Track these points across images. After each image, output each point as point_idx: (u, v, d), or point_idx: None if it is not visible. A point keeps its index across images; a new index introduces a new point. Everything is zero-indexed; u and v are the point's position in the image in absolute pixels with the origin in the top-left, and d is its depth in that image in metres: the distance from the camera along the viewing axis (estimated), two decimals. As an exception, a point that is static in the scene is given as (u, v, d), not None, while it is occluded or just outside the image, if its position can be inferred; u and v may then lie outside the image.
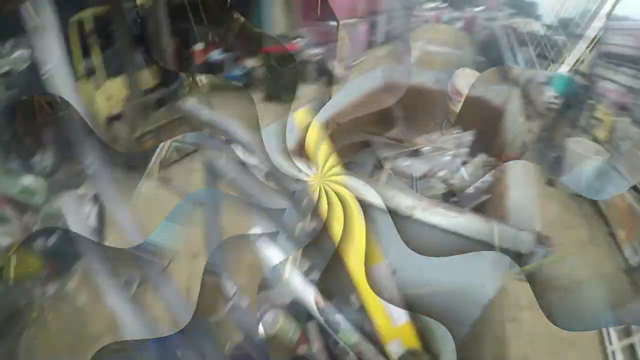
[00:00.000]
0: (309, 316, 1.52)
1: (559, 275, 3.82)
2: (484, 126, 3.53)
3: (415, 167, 2.97)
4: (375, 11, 12.89)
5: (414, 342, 1.39)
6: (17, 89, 5.34)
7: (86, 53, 5.48)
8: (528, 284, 2.44)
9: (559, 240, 4.40)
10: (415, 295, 1.79)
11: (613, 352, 3.14)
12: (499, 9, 15.85)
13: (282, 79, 7.68)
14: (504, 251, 1.84)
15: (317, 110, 2.66)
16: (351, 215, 1.37)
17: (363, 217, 1.42)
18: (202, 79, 8.01)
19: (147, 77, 5.71)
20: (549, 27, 12.75)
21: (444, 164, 3.38)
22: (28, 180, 4.56)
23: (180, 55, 7.33)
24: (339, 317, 1.40)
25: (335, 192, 1.61)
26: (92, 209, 4.31)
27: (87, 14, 5.35)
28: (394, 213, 2.05)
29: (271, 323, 1.48)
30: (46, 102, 5.66)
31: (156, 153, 5.04)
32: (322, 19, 9.46)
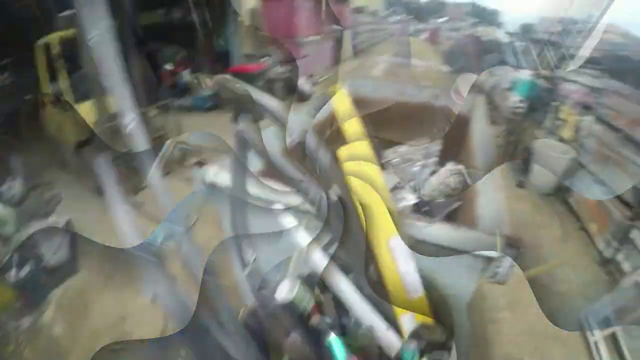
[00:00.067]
0: (325, 289, 1.50)
1: (559, 280, 3.89)
2: (451, 135, 3.56)
3: (385, 179, 2.96)
4: (341, 27, 13.13)
5: (427, 316, 1.37)
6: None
7: (53, 77, 5.40)
8: (503, 285, 2.44)
9: (533, 239, 4.48)
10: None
11: (596, 343, 3.17)
12: (462, 19, 16.34)
13: (250, 98, 7.76)
14: (476, 257, 1.83)
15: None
16: (372, 185, 1.34)
17: (384, 185, 1.41)
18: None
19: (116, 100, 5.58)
20: (511, 34, 13.19)
21: (413, 174, 3.39)
22: (-3, 209, 4.41)
23: (148, 76, 7.27)
24: (352, 293, 1.38)
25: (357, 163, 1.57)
26: (64, 238, 4.19)
27: (54, 38, 5.29)
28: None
29: (287, 291, 1.46)
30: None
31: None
32: (289, 36, 9.57)
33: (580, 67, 6.42)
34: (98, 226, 4.47)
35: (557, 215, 5.04)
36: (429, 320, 1.44)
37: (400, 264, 1.34)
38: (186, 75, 8.74)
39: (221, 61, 8.91)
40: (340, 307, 1.50)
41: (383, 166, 3.44)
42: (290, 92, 7.26)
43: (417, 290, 1.38)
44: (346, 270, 1.50)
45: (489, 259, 1.79)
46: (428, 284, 1.43)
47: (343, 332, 1.41)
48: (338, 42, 11.73)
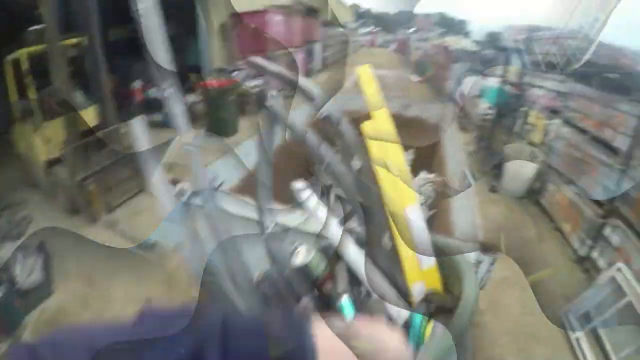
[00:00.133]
0: (339, 259, 1.49)
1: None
2: (422, 144, 3.59)
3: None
4: (311, 40, 13.22)
5: (437, 285, 1.36)
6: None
7: (23, 94, 5.19)
8: (483, 290, 2.44)
9: (508, 242, 4.53)
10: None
11: (578, 339, 3.18)
12: (430, 30, 16.69)
13: (223, 112, 7.93)
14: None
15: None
16: (393, 155, 1.32)
17: (402, 154, 1.39)
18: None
19: (87, 118, 5.44)
20: (477, 42, 13.52)
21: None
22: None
23: (119, 93, 7.12)
24: (365, 264, 1.38)
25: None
26: (36, 259, 4.04)
27: (23, 53, 5.08)
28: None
29: (303, 255, 1.45)
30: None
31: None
32: (260, 50, 9.57)
33: (545, 72, 6.61)
34: (71, 247, 4.35)
35: (531, 217, 5.11)
36: (438, 287, 1.44)
37: (414, 233, 1.33)
38: (156, 92, 8.61)
39: (192, 76, 8.83)
40: (353, 279, 1.49)
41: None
42: (262, 106, 7.20)
43: (429, 259, 1.37)
44: (361, 243, 1.50)
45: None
46: (439, 254, 1.43)
47: (354, 303, 1.40)
48: (308, 55, 11.80)
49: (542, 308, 3.17)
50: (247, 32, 9.58)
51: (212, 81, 8.00)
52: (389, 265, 1.41)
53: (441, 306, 1.38)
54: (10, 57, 5.18)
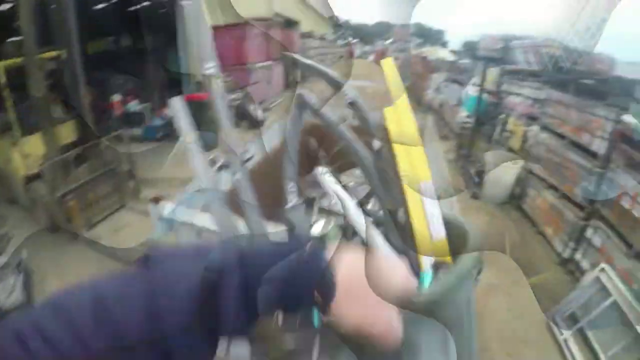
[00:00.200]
0: (354, 235, 1.47)
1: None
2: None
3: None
4: (290, 52, 13.22)
5: (446, 257, 1.35)
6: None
7: (0, 107, 4.99)
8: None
9: (492, 248, 4.55)
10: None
11: (565, 340, 3.19)
12: (408, 40, 16.92)
13: (203, 125, 7.61)
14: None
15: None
16: (408, 130, 1.32)
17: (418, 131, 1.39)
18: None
19: (66, 132, 5.31)
20: (454, 52, 13.75)
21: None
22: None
23: (98, 106, 6.98)
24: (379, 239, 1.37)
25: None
26: (17, 279, 3.88)
27: (0, 66, 4.85)
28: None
29: (321, 226, 1.44)
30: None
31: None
32: (240, 63, 9.53)
33: (522, 80, 6.74)
34: (52, 265, 4.21)
35: (514, 222, 5.15)
36: (446, 259, 1.44)
37: (427, 207, 1.32)
38: (135, 106, 8.50)
39: (172, 89, 8.75)
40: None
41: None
42: (242, 118, 7.16)
43: (439, 232, 1.36)
44: (377, 222, 1.50)
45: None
46: (450, 227, 1.42)
47: None
48: (288, 68, 11.81)
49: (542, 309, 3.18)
50: (226, 45, 9.54)
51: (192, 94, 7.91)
52: (402, 239, 1.41)
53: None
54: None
